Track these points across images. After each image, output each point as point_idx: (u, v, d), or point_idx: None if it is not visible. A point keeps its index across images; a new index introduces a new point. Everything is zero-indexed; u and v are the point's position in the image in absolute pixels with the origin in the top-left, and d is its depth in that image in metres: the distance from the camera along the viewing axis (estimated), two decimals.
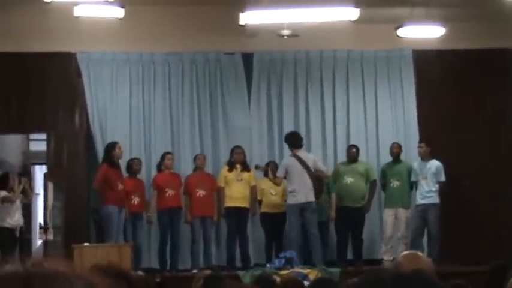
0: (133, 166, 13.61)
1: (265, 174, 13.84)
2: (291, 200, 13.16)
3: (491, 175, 14.39)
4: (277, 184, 13.40)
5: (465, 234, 14.15)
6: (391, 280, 1.55)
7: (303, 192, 13.04)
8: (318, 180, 13.21)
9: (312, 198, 13.10)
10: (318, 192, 13.22)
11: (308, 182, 13.08)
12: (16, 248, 13.27)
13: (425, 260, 3.92)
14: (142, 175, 13.85)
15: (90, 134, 14.23)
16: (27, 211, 17.41)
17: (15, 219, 13.36)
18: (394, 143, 14.15)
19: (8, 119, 14.21)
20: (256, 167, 13.81)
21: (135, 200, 13.42)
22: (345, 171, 13.89)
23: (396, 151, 14.04)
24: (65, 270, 1.01)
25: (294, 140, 13.43)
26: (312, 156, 13.53)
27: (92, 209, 13.88)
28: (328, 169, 13.73)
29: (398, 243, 13.58)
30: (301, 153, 13.31)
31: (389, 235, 13.81)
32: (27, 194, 13.95)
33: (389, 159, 14.12)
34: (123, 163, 13.53)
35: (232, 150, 13.84)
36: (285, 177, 13.26)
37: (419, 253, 4.12)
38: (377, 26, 14.06)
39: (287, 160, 13.35)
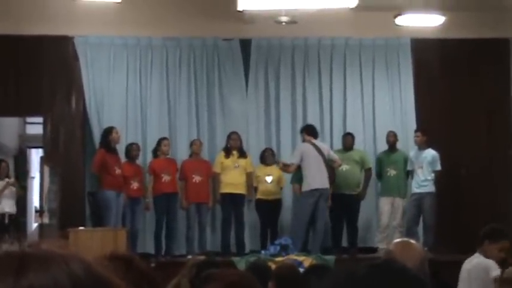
0: (131, 151, 13.59)
1: (262, 161, 13.83)
2: (306, 187, 13.13)
3: (488, 165, 14.39)
4: (289, 171, 13.37)
5: (461, 223, 14.14)
6: (363, 272, 1.55)
7: (319, 178, 13.04)
8: (330, 169, 13.26)
9: (327, 184, 13.14)
10: (331, 180, 13.27)
11: (324, 169, 13.09)
12: (3, 235, 13.23)
13: (416, 248, 3.92)
14: (139, 160, 13.83)
15: (86, 118, 14.21)
16: (23, 194, 17.42)
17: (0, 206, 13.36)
18: (390, 131, 14.13)
19: (4, 101, 14.18)
20: (278, 163, 13.73)
21: (134, 185, 13.40)
22: (340, 159, 13.88)
23: (392, 140, 14.04)
24: (61, 251, 1.01)
25: (312, 130, 13.45)
26: (326, 146, 13.57)
27: (88, 193, 13.88)
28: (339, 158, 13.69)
29: (393, 232, 13.59)
30: (317, 142, 13.36)
31: (385, 224, 13.82)
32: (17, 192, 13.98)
33: (386, 147, 14.12)
34: (121, 148, 13.52)
35: (229, 136, 13.83)
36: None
37: (411, 241, 4.12)
38: (376, 14, 14.02)
39: (302, 146, 13.32)
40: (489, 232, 7.35)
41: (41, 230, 15.20)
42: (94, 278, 1.01)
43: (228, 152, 13.74)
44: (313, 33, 14.43)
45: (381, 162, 14.05)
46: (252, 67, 14.61)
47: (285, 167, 13.41)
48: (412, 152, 13.85)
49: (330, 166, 13.30)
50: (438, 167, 13.62)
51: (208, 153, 14.22)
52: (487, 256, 7.19)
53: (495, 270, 7.06)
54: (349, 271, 1.55)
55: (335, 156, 13.46)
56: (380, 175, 14.07)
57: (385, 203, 13.89)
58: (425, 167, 13.59)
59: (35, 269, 0.97)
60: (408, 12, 13.32)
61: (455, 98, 14.47)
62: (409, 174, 13.84)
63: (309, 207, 13.07)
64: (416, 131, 13.96)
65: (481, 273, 7.15)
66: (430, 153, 13.65)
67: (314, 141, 13.30)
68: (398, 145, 14.23)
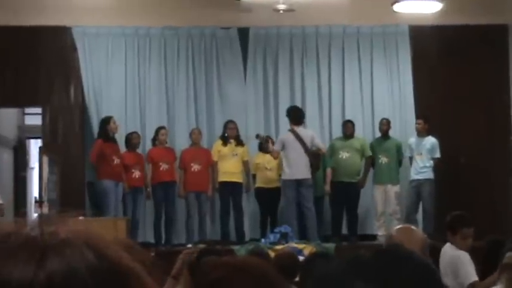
0: (132, 140, 13.60)
1: (260, 149, 13.81)
2: (285, 176, 13.13)
3: (487, 152, 14.38)
4: (274, 157, 13.35)
5: (460, 210, 14.12)
6: (369, 256, 1.54)
7: (298, 168, 12.99)
8: (314, 156, 13.18)
9: (307, 175, 13.07)
10: (314, 168, 13.20)
11: (304, 159, 13.04)
12: None
13: (418, 233, 3.92)
14: (139, 149, 13.82)
15: (85, 108, 14.20)
16: (23, 184, 17.43)
17: None
18: (382, 119, 14.13)
19: (2, 92, 14.15)
20: (257, 137, 13.65)
21: (136, 173, 13.41)
22: (340, 147, 13.88)
23: (385, 128, 14.03)
24: (77, 237, 1.01)
25: (296, 116, 13.33)
26: (310, 132, 13.45)
27: (87, 183, 13.88)
28: (325, 146, 13.71)
29: (390, 219, 13.60)
30: (300, 129, 13.25)
31: (381, 211, 13.84)
32: None
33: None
34: (121, 137, 13.51)
35: (225, 125, 13.81)
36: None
37: (413, 226, 4.13)
38: (373, 1, 14.00)
39: (284, 135, 13.31)
40: (449, 223, 7.30)
41: None
42: (110, 265, 1.02)
43: (225, 140, 13.73)
44: (311, 22, 14.40)
45: (373, 149, 14.04)
46: (250, 56, 14.60)
47: (271, 152, 13.33)
48: (412, 138, 13.85)
49: (315, 153, 13.21)
50: (437, 155, 13.63)
51: (207, 142, 14.21)
52: (458, 247, 7.15)
53: (470, 269, 6.92)
54: (355, 256, 1.54)
55: (320, 143, 13.41)
56: (373, 162, 14.07)
57: (378, 191, 13.90)
58: (424, 154, 13.61)
59: (54, 258, 0.98)
60: None
61: (454, 84, 14.45)
62: (409, 160, 13.85)
63: (292, 197, 13.04)
64: (417, 119, 13.96)
65: (454, 266, 7.13)
66: (430, 140, 13.66)
67: (296, 129, 13.22)
68: (397, 132, 14.24)
